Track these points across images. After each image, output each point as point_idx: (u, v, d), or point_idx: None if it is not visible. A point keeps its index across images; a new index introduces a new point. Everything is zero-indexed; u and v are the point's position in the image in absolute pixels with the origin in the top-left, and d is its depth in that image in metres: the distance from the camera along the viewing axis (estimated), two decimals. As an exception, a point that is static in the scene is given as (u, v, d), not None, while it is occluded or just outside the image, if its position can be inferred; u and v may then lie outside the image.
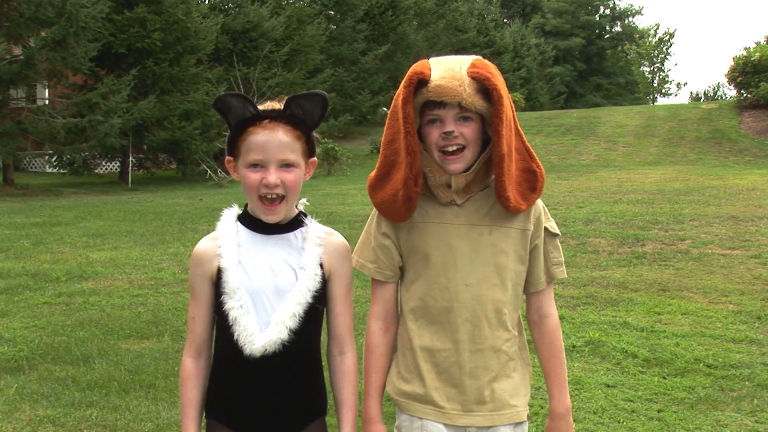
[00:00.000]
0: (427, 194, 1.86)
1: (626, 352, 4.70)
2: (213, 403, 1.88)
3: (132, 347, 4.94)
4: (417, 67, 1.78)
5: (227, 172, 19.05)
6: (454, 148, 1.78)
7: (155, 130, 20.03)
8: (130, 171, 20.61)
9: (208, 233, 1.91)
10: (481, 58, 1.82)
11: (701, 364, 4.46)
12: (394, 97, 1.82)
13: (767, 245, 7.79)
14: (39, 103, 20.73)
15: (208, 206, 12.98)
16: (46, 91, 21.58)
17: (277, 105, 1.81)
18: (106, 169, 23.61)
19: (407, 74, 1.77)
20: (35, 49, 16.79)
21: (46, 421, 3.71)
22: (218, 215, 1.91)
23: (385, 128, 1.87)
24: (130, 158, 20.82)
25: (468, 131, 1.78)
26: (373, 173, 1.92)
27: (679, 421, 3.68)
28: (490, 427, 1.86)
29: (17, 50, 17.90)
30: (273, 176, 1.77)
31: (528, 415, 1.92)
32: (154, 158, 22.43)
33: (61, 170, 20.15)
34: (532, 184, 1.85)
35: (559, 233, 1.97)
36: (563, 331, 2.01)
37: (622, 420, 3.70)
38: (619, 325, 5.29)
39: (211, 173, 20.52)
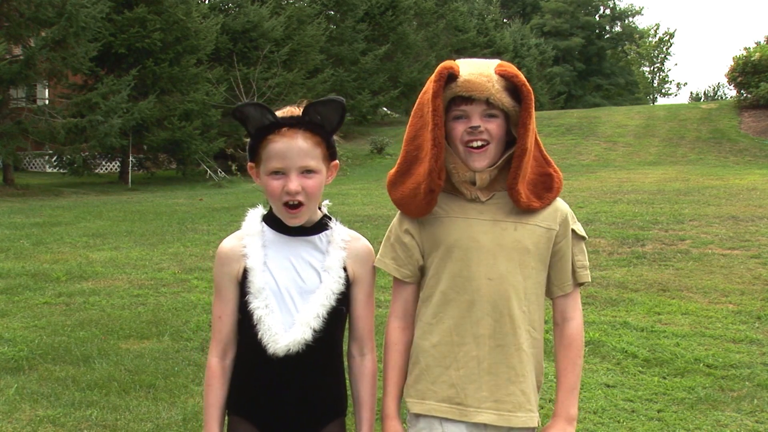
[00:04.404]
0: (451, 191, 1.88)
1: (626, 352, 4.70)
2: (236, 400, 1.90)
3: (132, 347, 4.93)
4: (446, 63, 1.80)
5: (227, 172, 18.80)
6: (480, 143, 1.81)
7: (155, 130, 20.01)
8: (130, 171, 20.59)
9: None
10: (504, 61, 1.86)
11: (701, 364, 4.47)
12: (420, 94, 1.85)
13: (767, 245, 7.79)
14: (39, 103, 20.70)
15: (208, 206, 12.97)
16: (46, 91, 21.55)
17: (295, 111, 1.82)
18: (106, 169, 23.60)
19: (437, 70, 1.79)
20: (35, 49, 16.78)
21: (46, 421, 3.71)
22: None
23: (408, 125, 1.89)
24: (130, 158, 20.79)
25: (494, 127, 1.81)
26: (392, 170, 1.93)
27: (679, 421, 3.68)
28: (507, 429, 1.84)
29: (17, 50, 17.89)
30: (294, 183, 1.79)
31: (539, 421, 1.89)
32: (154, 158, 22.41)
33: (61, 170, 20.13)
34: (548, 185, 1.87)
35: (586, 237, 1.97)
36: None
37: (622, 420, 3.70)
38: (619, 325, 5.29)
39: (211, 173, 20.52)
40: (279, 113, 1.82)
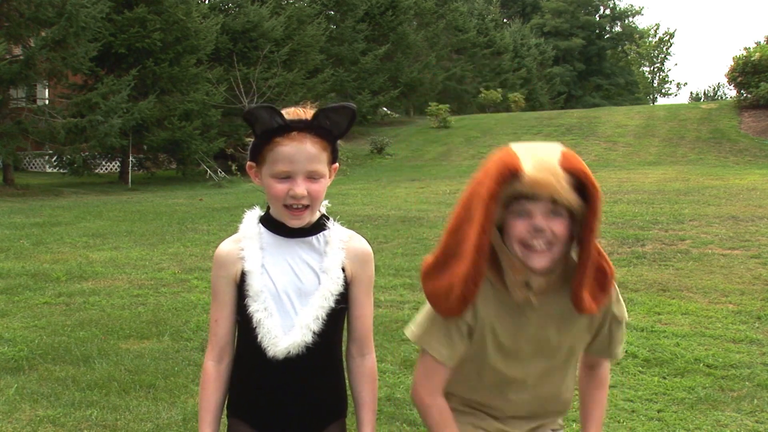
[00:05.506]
0: (501, 290, 1.75)
1: (626, 352, 4.69)
2: (235, 403, 1.90)
3: (132, 347, 4.93)
4: (506, 158, 1.64)
5: (227, 172, 18.68)
6: (543, 245, 1.66)
7: (155, 130, 20.02)
8: (130, 171, 20.59)
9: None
10: (565, 148, 1.70)
11: (701, 364, 4.46)
12: (474, 183, 1.69)
13: (767, 245, 7.79)
14: (39, 103, 20.70)
15: (208, 206, 12.97)
16: (46, 91, 21.55)
17: (302, 113, 1.80)
18: (106, 169, 23.59)
19: (496, 166, 1.63)
20: (35, 49, 16.78)
21: (46, 421, 3.71)
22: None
23: (452, 213, 1.74)
24: (130, 158, 20.80)
25: (559, 227, 1.66)
26: (430, 258, 1.79)
27: (679, 421, 3.68)
28: None
29: (17, 50, 17.89)
30: (301, 188, 1.77)
31: None
32: (154, 158, 22.41)
33: (61, 170, 20.12)
34: (602, 283, 1.74)
35: (626, 318, 1.88)
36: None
37: (622, 420, 3.70)
38: (619, 325, 5.28)
39: (211, 173, 20.51)
40: (286, 114, 1.79)
